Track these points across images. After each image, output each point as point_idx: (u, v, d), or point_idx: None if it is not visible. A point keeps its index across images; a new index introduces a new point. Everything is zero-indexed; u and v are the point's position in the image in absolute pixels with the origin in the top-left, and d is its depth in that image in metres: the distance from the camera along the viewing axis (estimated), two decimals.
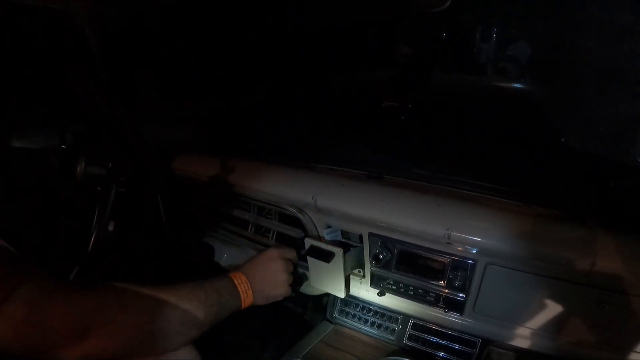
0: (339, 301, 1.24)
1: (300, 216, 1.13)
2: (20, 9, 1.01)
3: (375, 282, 1.09)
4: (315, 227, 1.14)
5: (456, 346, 1.03)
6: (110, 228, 1.06)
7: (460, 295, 0.97)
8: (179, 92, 1.57)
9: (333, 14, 1.33)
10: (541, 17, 1.13)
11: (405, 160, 1.18)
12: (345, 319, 1.21)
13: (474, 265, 0.94)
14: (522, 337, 0.94)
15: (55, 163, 1.06)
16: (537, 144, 1.15)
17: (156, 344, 0.74)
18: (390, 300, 1.10)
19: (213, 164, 1.33)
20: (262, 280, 0.97)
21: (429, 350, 1.06)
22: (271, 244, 1.23)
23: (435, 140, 1.25)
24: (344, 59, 1.43)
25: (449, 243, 0.93)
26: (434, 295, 1.01)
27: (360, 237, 1.08)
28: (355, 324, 1.19)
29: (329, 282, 1.09)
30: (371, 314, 1.17)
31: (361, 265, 1.11)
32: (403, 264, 1.03)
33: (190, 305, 0.79)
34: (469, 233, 0.91)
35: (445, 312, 1.01)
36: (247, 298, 0.93)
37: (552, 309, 0.89)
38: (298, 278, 1.14)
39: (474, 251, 0.92)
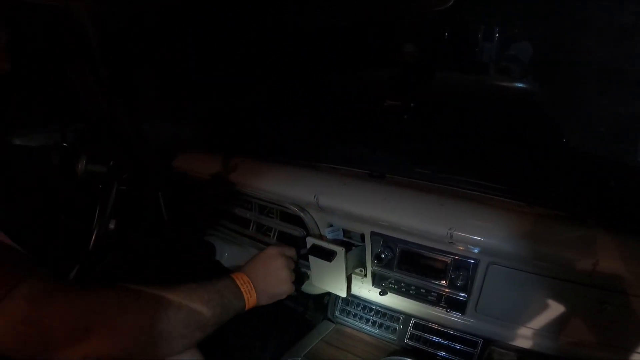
0: (340, 300, 1.23)
1: (302, 215, 1.13)
2: (20, 6, 1.00)
3: (377, 281, 1.09)
4: (317, 226, 1.14)
5: (457, 346, 1.03)
6: (111, 226, 1.05)
7: (462, 295, 0.97)
8: (180, 91, 1.57)
9: (335, 14, 1.33)
10: (544, 17, 1.13)
11: (408, 160, 1.18)
12: (346, 318, 1.21)
13: (476, 265, 0.94)
14: (524, 337, 0.94)
15: (56, 161, 1.06)
16: (538, 144, 1.15)
17: (159, 346, 0.72)
18: (391, 300, 1.10)
19: (214, 162, 1.32)
20: (264, 279, 0.96)
21: (430, 350, 1.06)
22: (273, 243, 1.23)
23: (437, 139, 1.24)
24: (346, 58, 1.43)
25: (451, 242, 0.93)
26: (436, 294, 1.01)
27: (362, 236, 1.08)
28: (356, 323, 1.19)
29: (331, 281, 1.09)
30: (372, 313, 1.17)
31: (363, 265, 1.10)
32: (405, 264, 1.03)
33: (192, 307, 0.78)
34: (472, 232, 0.90)
35: (447, 311, 1.01)
36: (250, 298, 0.92)
37: (554, 309, 0.89)
38: (300, 276, 1.13)
39: (476, 251, 0.92)
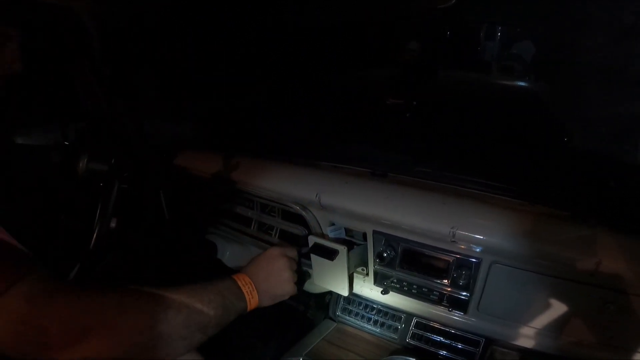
0: (341, 299, 1.23)
1: (304, 214, 1.13)
2: (21, 3, 1.00)
3: (378, 280, 1.09)
4: (319, 224, 1.13)
5: (459, 345, 1.03)
6: (113, 225, 1.05)
7: (464, 294, 0.97)
8: (181, 90, 1.57)
9: (337, 13, 1.32)
10: (547, 15, 1.12)
11: (410, 158, 1.18)
12: (348, 317, 1.21)
13: (478, 264, 0.93)
14: (526, 337, 0.94)
15: (57, 159, 1.06)
16: (540, 143, 1.15)
17: (158, 348, 0.71)
18: (393, 299, 1.10)
19: (216, 161, 1.32)
20: (266, 279, 0.95)
21: (432, 349, 1.06)
22: (274, 242, 1.23)
23: (439, 138, 1.24)
24: (348, 56, 1.42)
25: (454, 241, 0.92)
26: (438, 293, 1.01)
27: (364, 235, 1.08)
28: (358, 322, 1.19)
29: (333, 280, 1.09)
30: (374, 312, 1.17)
31: (365, 264, 1.10)
32: (407, 262, 1.03)
33: (193, 308, 0.77)
34: (474, 231, 0.90)
35: (448, 310, 1.01)
36: (252, 299, 0.90)
37: (557, 308, 0.89)
38: (301, 275, 1.13)
39: (479, 250, 0.92)
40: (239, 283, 0.90)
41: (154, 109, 1.51)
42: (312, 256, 1.07)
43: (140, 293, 0.73)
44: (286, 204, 1.16)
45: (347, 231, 1.13)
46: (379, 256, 1.04)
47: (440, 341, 1.05)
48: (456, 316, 1.01)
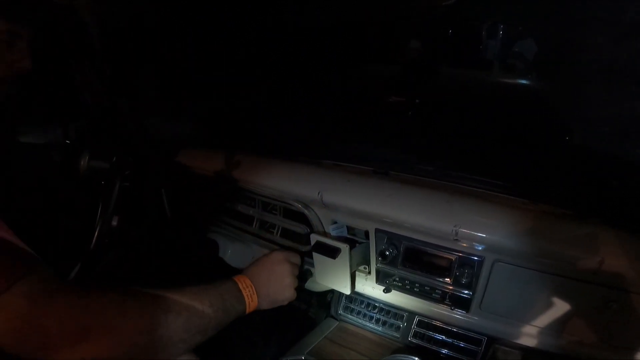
0: (343, 298, 1.23)
1: (306, 212, 1.12)
2: (25, 1, 1.00)
3: (381, 278, 1.08)
4: (321, 222, 1.13)
5: (461, 344, 1.03)
6: (114, 223, 1.05)
7: (467, 292, 0.97)
8: (183, 88, 1.56)
9: (339, 12, 1.32)
10: (550, 13, 1.12)
11: (412, 157, 1.17)
12: (349, 316, 1.21)
13: (481, 262, 0.93)
14: (528, 336, 0.93)
15: (58, 158, 1.05)
16: (543, 142, 1.14)
17: (158, 350, 0.72)
18: (395, 297, 1.09)
19: (218, 159, 1.32)
20: (267, 284, 0.96)
21: (434, 347, 1.06)
22: (276, 240, 1.23)
23: (441, 136, 1.24)
24: (350, 54, 1.42)
25: (456, 240, 0.92)
26: (440, 292, 1.00)
27: (366, 233, 1.08)
28: (359, 321, 1.19)
29: (335, 278, 1.09)
30: (376, 310, 1.17)
31: (367, 262, 1.10)
32: (409, 261, 1.02)
33: (193, 311, 0.77)
34: (477, 230, 0.90)
35: (451, 309, 1.00)
36: (252, 302, 0.91)
37: (559, 307, 0.88)
38: (303, 275, 1.13)
39: (481, 248, 0.92)
40: (240, 285, 0.91)
41: (155, 107, 1.51)
42: (314, 254, 1.07)
43: (141, 294, 0.73)
44: (288, 202, 1.16)
45: (349, 229, 1.13)
46: (381, 254, 1.04)
47: (443, 340, 1.05)
48: (458, 315, 1.01)
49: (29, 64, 0.78)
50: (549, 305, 0.90)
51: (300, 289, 1.09)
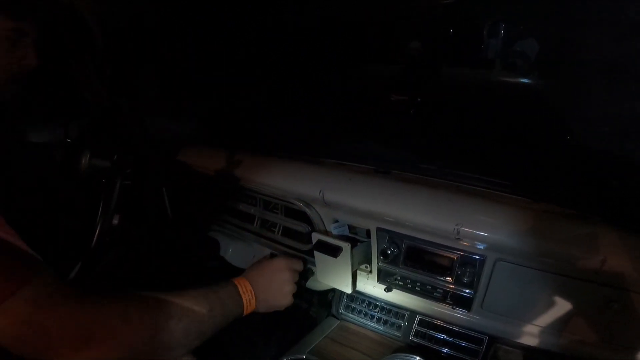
0: (345, 297, 1.23)
1: (307, 210, 1.12)
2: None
3: (382, 277, 1.08)
4: (322, 221, 1.13)
5: (463, 343, 1.02)
6: (115, 221, 1.05)
7: (468, 291, 0.97)
8: (185, 87, 1.56)
9: (341, 10, 1.32)
10: (551, 12, 1.12)
11: (414, 156, 1.17)
12: (351, 315, 1.20)
13: (482, 262, 0.93)
14: (530, 335, 0.93)
15: (59, 157, 1.05)
16: (545, 141, 1.14)
17: (158, 355, 0.74)
18: (397, 296, 1.09)
19: (219, 157, 1.32)
20: (267, 289, 0.98)
21: (435, 347, 1.05)
22: (277, 239, 1.23)
23: (443, 135, 1.24)
24: (352, 54, 1.42)
25: (458, 238, 0.92)
26: (442, 291, 1.00)
27: (368, 232, 1.07)
28: (361, 320, 1.18)
29: (336, 277, 1.08)
30: (377, 309, 1.17)
31: (368, 261, 1.10)
32: (411, 260, 1.02)
33: (194, 317, 0.79)
34: (479, 228, 0.90)
35: (452, 308, 1.00)
36: (249, 306, 0.93)
37: (561, 306, 0.88)
38: (304, 274, 1.13)
39: (483, 247, 0.92)
40: (240, 290, 0.92)
41: (155, 106, 1.51)
42: (316, 253, 1.07)
43: (143, 300, 0.75)
44: (289, 200, 1.16)
45: (351, 228, 1.13)
46: (382, 253, 1.04)
47: (444, 339, 1.05)
48: (460, 314, 1.00)
49: (34, 61, 0.78)
50: (551, 304, 0.89)
51: (302, 288, 1.10)
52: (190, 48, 1.54)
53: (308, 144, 1.37)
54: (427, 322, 1.08)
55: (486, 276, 0.94)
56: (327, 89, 1.49)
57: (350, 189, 1.06)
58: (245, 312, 0.93)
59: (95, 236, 1.01)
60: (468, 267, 0.95)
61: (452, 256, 0.97)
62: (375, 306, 1.18)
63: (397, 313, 1.14)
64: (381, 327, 1.15)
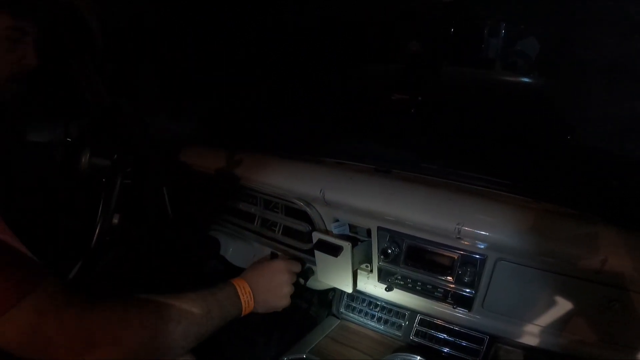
0: (345, 296, 1.23)
1: (308, 210, 1.12)
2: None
3: (383, 277, 1.08)
4: (323, 221, 1.13)
5: (463, 343, 1.02)
6: (115, 221, 1.04)
7: (469, 291, 0.97)
8: (185, 86, 1.56)
9: (342, 9, 1.32)
10: (553, 11, 1.12)
11: (414, 155, 1.17)
12: (351, 314, 1.20)
13: (483, 261, 0.93)
14: (531, 335, 0.93)
15: (59, 156, 1.05)
16: (546, 140, 1.14)
17: (157, 356, 0.76)
18: (397, 296, 1.09)
19: (219, 157, 1.32)
20: (265, 291, 0.98)
21: (435, 346, 1.05)
22: (278, 238, 1.23)
23: (444, 134, 1.24)
24: (352, 53, 1.42)
25: (459, 238, 0.92)
26: (442, 290, 1.00)
27: (369, 232, 1.07)
28: (361, 319, 1.18)
29: (337, 276, 1.08)
30: (378, 309, 1.17)
31: (369, 260, 1.10)
32: (411, 259, 1.02)
33: (193, 320, 0.81)
34: (480, 228, 0.90)
35: (453, 308, 1.00)
36: (247, 308, 0.94)
37: (562, 306, 0.88)
38: (304, 274, 1.13)
39: (484, 246, 0.92)
40: (239, 291, 0.93)
41: (156, 106, 1.51)
42: (316, 252, 1.07)
43: (143, 304, 0.77)
44: (290, 200, 1.15)
45: (351, 227, 1.13)
46: (383, 253, 1.04)
47: (445, 338, 1.05)
48: (460, 313, 1.00)
49: (35, 61, 0.78)
50: (551, 304, 0.89)
51: (302, 288, 1.09)
52: (190, 48, 1.54)
53: (309, 143, 1.37)
54: (428, 322, 1.08)
55: (487, 276, 0.93)
56: (327, 88, 1.49)
57: (351, 188, 1.06)
58: (243, 313, 0.94)
59: (95, 236, 1.01)
60: (469, 266, 0.95)
61: (452, 255, 0.97)
62: (376, 305, 1.18)
63: (397, 312, 1.14)
64: (382, 327, 1.14)
